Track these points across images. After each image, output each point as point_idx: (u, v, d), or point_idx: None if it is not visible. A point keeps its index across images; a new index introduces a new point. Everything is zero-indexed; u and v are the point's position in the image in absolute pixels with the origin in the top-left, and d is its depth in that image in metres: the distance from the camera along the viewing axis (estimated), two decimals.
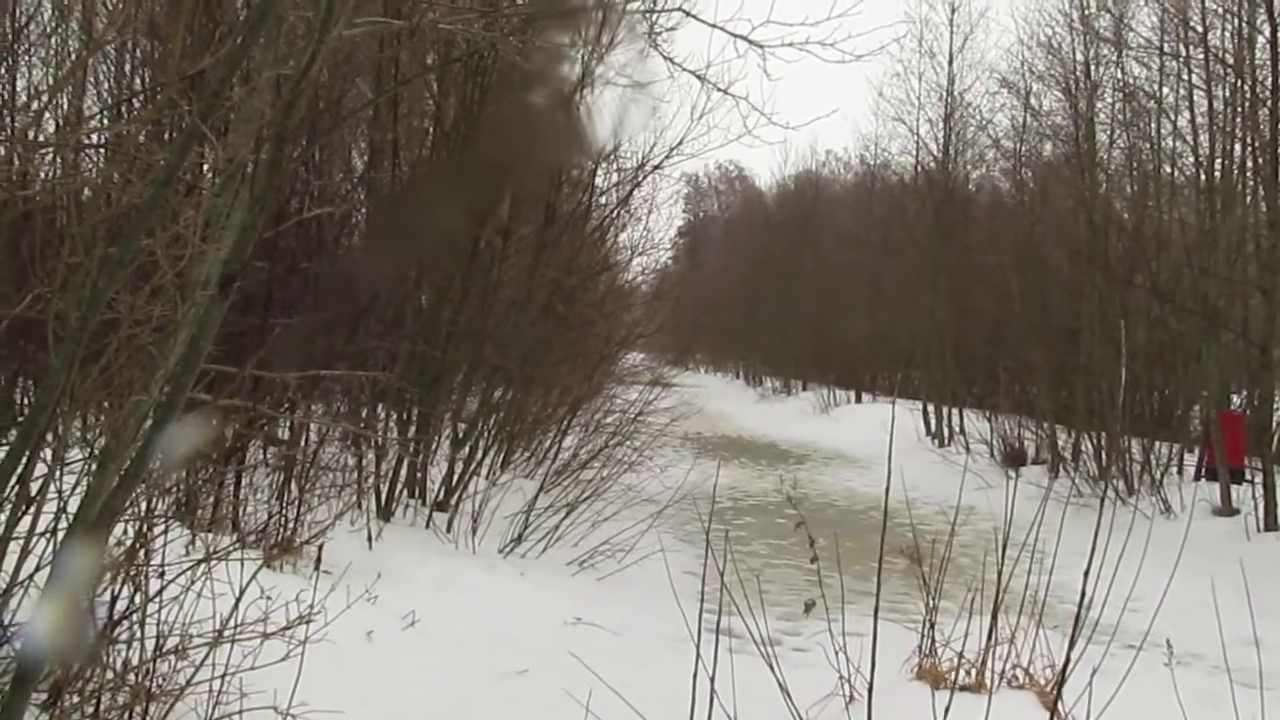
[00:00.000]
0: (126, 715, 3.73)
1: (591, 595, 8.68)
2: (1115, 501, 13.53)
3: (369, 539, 8.17)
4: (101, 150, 4.85)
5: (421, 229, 10.45)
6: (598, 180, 14.00)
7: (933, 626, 5.31)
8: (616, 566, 9.38)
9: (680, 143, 13.13)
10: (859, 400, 32.91)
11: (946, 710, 2.70)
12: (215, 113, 3.41)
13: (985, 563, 5.35)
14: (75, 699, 3.59)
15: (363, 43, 8.48)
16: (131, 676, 3.78)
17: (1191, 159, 15.44)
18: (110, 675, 3.71)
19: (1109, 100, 17.61)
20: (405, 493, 9.84)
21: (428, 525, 9.65)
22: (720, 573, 4.55)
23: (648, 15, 5.25)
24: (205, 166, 4.23)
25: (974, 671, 4.68)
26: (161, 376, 3.36)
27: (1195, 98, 15.16)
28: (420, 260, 10.36)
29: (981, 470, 15.87)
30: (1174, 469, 15.33)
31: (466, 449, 10.76)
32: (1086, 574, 3.51)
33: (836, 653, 4.89)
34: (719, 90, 6.28)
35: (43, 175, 5.46)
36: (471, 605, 7.52)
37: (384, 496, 9.31)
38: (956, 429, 22.23)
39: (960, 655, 4.75)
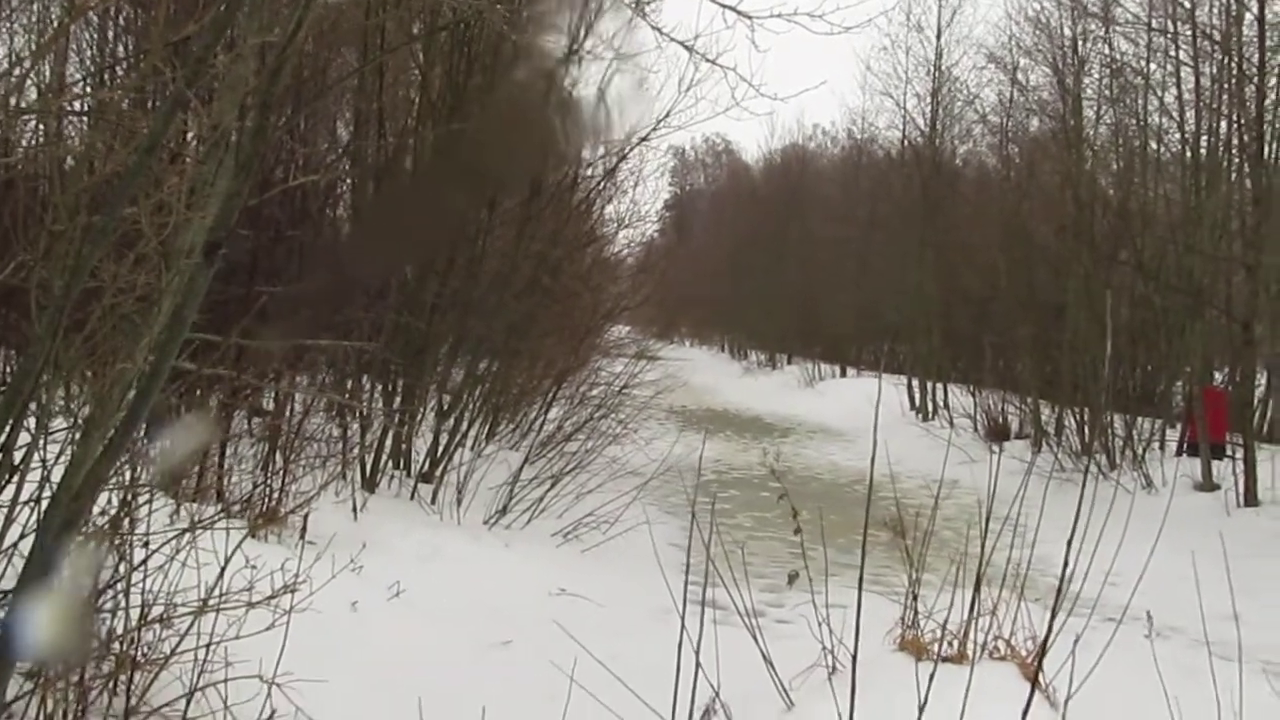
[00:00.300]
0: (111, 684, 3.74)
1: (576, 566, 8.70)
2: (1097, 476, 13.59)
3: (354, 510, 8.17)
4: (85, 118, 4.81)
5: (407, 200, 10.42)
6: (584, 153, 13.95)
7: (915, 598, 5.35)
8: (601, 538, 9.40)
9: (667, 114, 13.07)
10: (844, 374, 32.99)
11: (930, 680, 2.73)
12: (200, 79, 3.39)
13: (968, 536, 5.38)
14: (59, 667, 3.59)
15: (348, 11, 8.42)
16: (116, 645, 3.78)
17: (1178, 135, 15.48)
18: (95, 643, 3.71)
19: (1096, 76, 17.64)
20: (390, 464, 9.84)
21: (412, 497, 9.66)
22: (705, 545, 4.56)
23: None
24: (190, 134, 4.20)
25: (956, 643, 4.71)
26: (146, 345, 3.34)
27: (1182, 74, 15.20)
28: (406, 232, 10.33)
29: (965, 445, 15.93)
30: (1156, 444, 15.43)
31: (451, 420, 10.75)
32: (1069, 546, 3.52)
33: (820, 624, 4.92)
34: (707, 61, 6.25)
35: (25, 143, 5.42)
36: (456, 576, 7.54)
37: (369, 468, 9.31)
38: (941, 404, 22.31)
39: (943, 627, 4.78)
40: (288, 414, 7.95)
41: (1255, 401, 15.19)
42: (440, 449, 10.37)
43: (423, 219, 9.83)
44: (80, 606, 3.56)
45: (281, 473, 7.22)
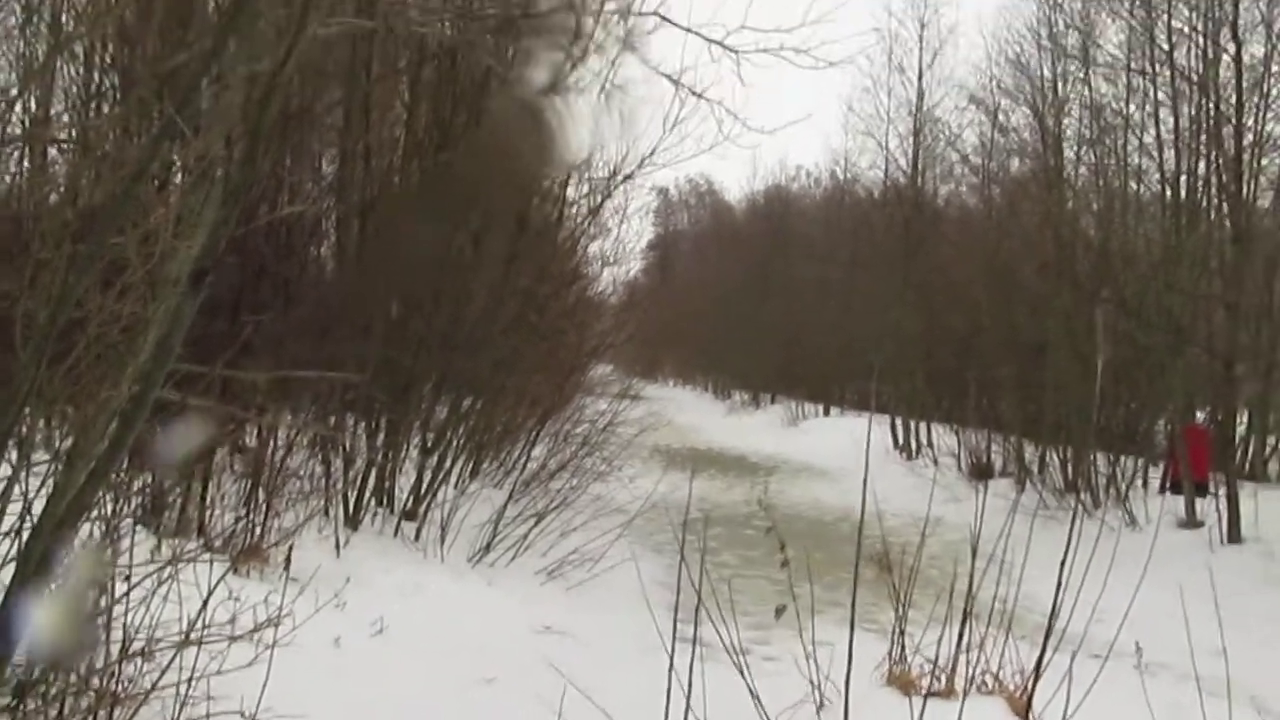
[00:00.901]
0: (91, 718, 3.68)
1: (560, 604, 8.66)
2: (1081, 514, 13.61)
3: (337, 546, 8.12)
4: (70, 148, 4.80)
5: (392, 236, 10.42)
6: (569, 191, 13.99)
7: (903, 634, 5.33)
8: (585, 575, 9.36)
9: (652, 152, 13.11)
10: (828, 413, 33.01)
11: (920, 715, 2.70)
12: (188, 109, 3.38)
13: (954, 573, 5.37)
14: (39, 703, 3.53)
15: (335, 44, 8.45)
16: (96, 680, 3.73)
17: (1157, 175, 15.61)
18: (74, 678, 3.65)
19: (1076, 116, 17.80)
20: (373, 501, 9.78)
21: (396, 534, 9.59)
22: (693, 582, 4.54)
23: (623, 18, 5.25)
24: (176, 164, 4.20)
25: (944, 677, 4.68)
26: (131, 375, 3.32)
27: (1161, 114, 15.34)
28: (391, 267, 10.32)
29: (949, 483, 15.94)
30: (1139, 482, 15.45)
31: (435, 458, 10.70)
32: (1059, 583, 3.52)
33: (807, 659, 4.89)
34: (694, 95, 6.28)
35: (10, 173, 5.41)
36: (439, 613, 7.48)
37: (352, 504, 9.25)
38: (925, 442, 22.32)
39: (934, 663, 4.76)
40: (271, 449, 7.90)
41: (1237, 439, 15.23)
42: (424, 486, 10.31)
43: (407, 254, 9.83)
44: (61, 639, 3.52)
45: (264, 508, 7.17)
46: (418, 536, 9.56)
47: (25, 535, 3.44)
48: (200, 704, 3.90)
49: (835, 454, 21.94)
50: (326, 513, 8.56)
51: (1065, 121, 17.86)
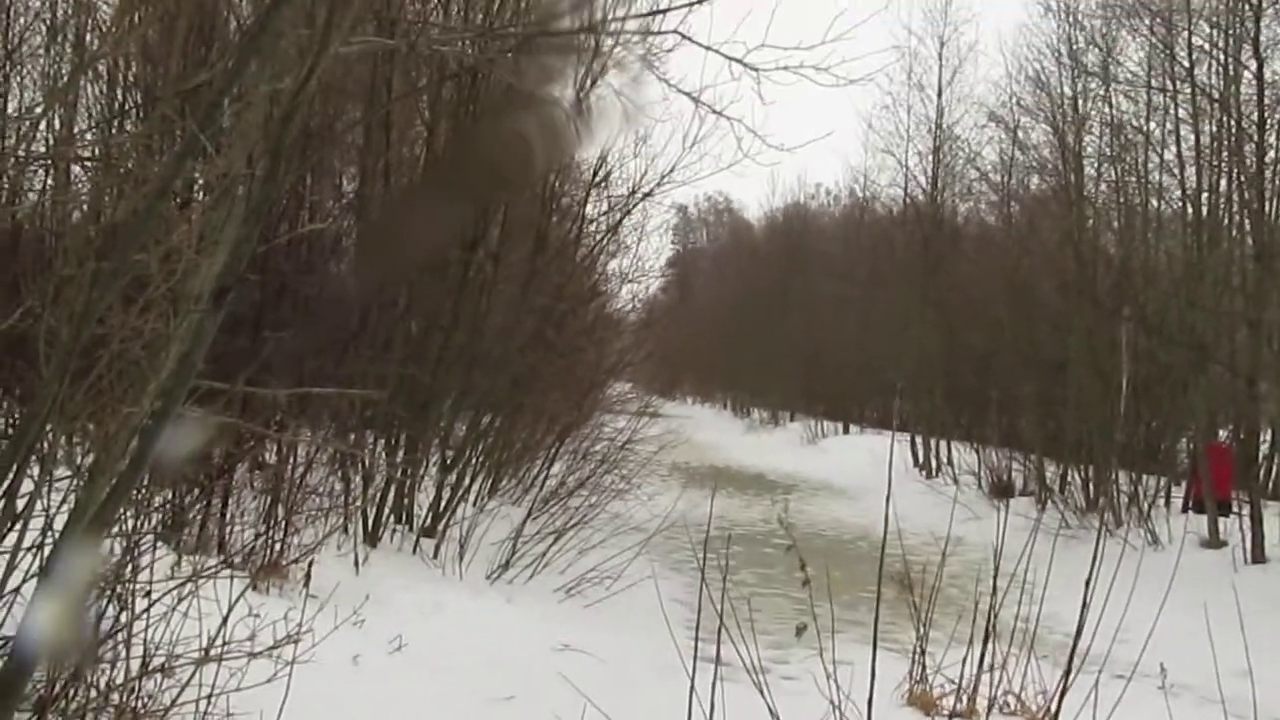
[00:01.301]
0: None
1: (579, 622, 8.63)
2: (1103, 533, 13.53)
3: (355, 563, 8.12)
4: (93, 166, 4.83)
5: (411, 253, 10.44)
6: (588, 208, 14.01)
7: (923, 654, 5.29)
8: (604, 593, 9.33)
9: (672, 170, 13.11)
10: (847, 431, 32.91)
11: None
12: (212, 125, 3.41)
13: (975, 593, 5.35)
14: (59, 718, 3.54)
15: (356, 63, 8.50)
16: (116, 695, 3.73)
17: (1178, 192, 15.54)
18: (95, 694, 3.66)
19: (1096, 134, 17.73)
20: (392, 518, 9.79)
21: (415, 551, 9.60)
22: (712, 601, 4.53)
23: (643, 37, 5.25)
24: (198, 182, 4.22)
25: (966, 698, 4.65)
26: (152, 391, 3.33)
27: (1182, 131, 15.28)
28: (410, 284, 10.35)
29: (969, 501, 15.85)
30: (1161, 501, 15.34)
31: (454, 475, 10.71)
32: (1084, 602, 3.51)
33: (827, 678, 4.86)
34: (714, 112, 6.27)
35: (34, 191, 5.45)
36: (458, 631, 7.47)
37: (371, 521, 9.26)
38: (944, 460, 22.22)
39: (958, 684, 4.72)
40: (290, 466, 7.91)
41: (1260, 458, 15.12)
42: (443, 503, 10.31)
43: (426, 268, 9.86)
44: (81, 654, 3.53)
45: (284, 525, 7.18)
46: (436, 554, 9.56)
47: (47, 550, 3.46)
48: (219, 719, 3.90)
49: (854, 472, 21.87)
50: (345, 530, 8.56)
51: (1085, 139, 17.80)
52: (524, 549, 9.81)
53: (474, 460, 11.36)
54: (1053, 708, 4.70)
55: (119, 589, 3.78)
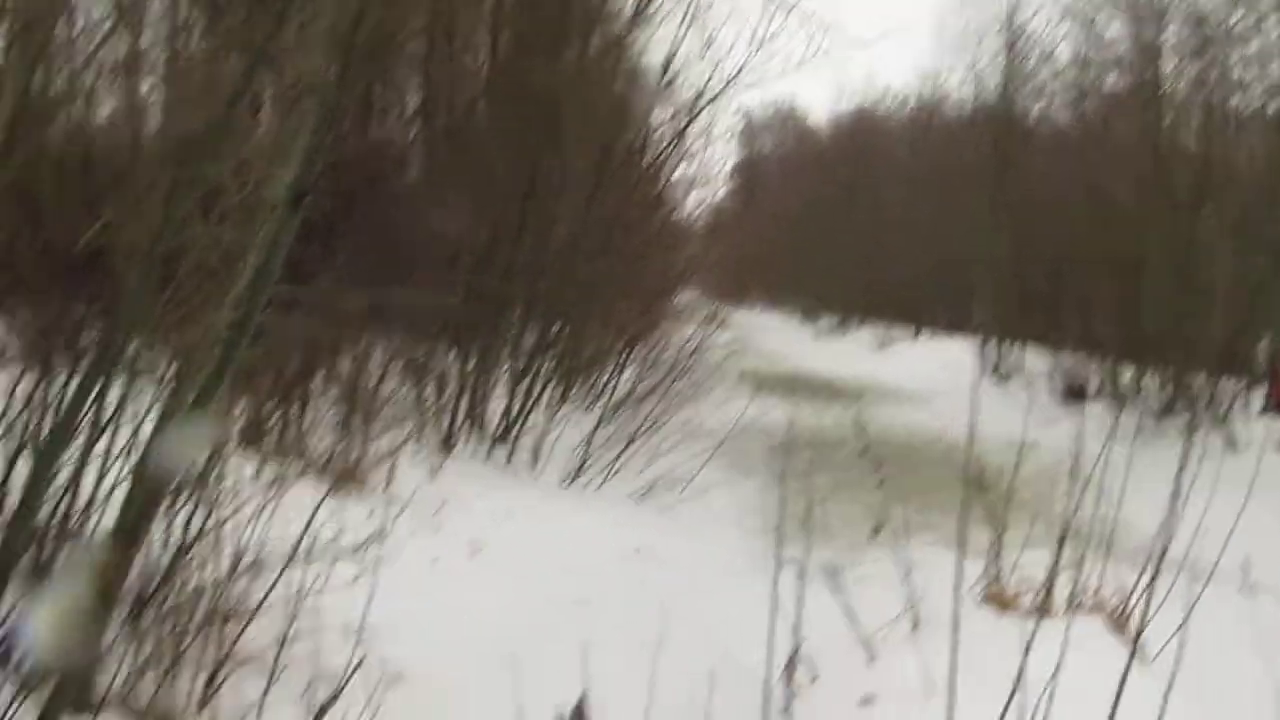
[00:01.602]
0: (203, 633, 3.80)
1: (652, 526, 8.72)
2: (1183, 436, 13.36)
3: (431, 470, 8.24)
4: (164, 79, 4.86)
5: (477, 164, 10.44)
6: (653, 114, 13.86)
7: (999, 554, 5.28)
8: (676, 499, 9.40)
9: (739, 72, 12.90)
10: (917, 336, 32.64)
11: (1033, 633, 2.70)
12: (279, 34, 3.40)
13: (1051, 496, 5.30)
14: (156, 613, 3.66)
15: None
16: (207, 595, 3.84)
17: (1260, 88, 15.04)
18: (188, 593, 3.77)
19: (1176, 28, 17.15)
20: (466, 425, 9.91)
21: (488, 457, 9.73)
22: (783, 502, 4.53)
23: None
24: (269, 90, 4.23)
25: (1042, 595, 4.64)
26: (232, 299, 3.38)
27: (1266, 25, 14.73)
28: (477, 194, 10.36)
29: (1043, 406, 15.72)
30: (1240, 404, 15.09)
31: (525, 383, 10.80)
32: (1173, 497, 3.47)
33: (904, 577, 4.88)
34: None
35: (108, 108, 5.50)
36: (533, 535, 7.58)
37: (445, 429, 9.39)
38: (1017, 365, 21.98)
39: (1040, 584, 4.71)
40: (365, 375, 8.02)
41: None
42: (515, 411, 10.42)
43: (493, 180, 9.85)
44: (173, 555, 3.63)
45: (361, 432, 7.30)
46: (510, 460, 9.69)
47: (136, 457, 3.55)
48: (307, 618, 4.00)
49: (925, 376, 21.73)
50: (420, 438, 8.69)
51: (1165, 33, 17.22)
52: (596, 455, 9.90)
53: (544, 368, 11.43)
54: (1128, 605, 4.69)
55: (206, 493, 3.87)
